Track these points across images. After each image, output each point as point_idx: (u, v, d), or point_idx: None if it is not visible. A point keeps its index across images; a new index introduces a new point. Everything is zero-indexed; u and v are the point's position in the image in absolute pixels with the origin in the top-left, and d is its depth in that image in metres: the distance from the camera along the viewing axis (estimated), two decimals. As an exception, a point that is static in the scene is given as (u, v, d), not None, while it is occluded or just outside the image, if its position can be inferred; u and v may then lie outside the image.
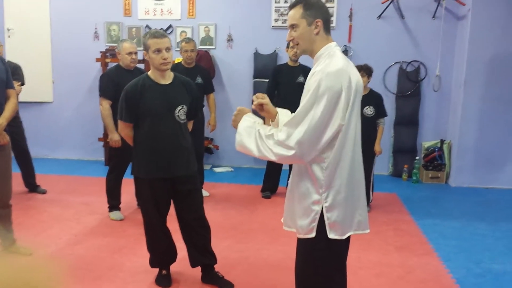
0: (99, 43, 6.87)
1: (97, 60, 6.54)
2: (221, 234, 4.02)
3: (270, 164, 5.27)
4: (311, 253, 2.09)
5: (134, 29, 6.81)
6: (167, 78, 2.99)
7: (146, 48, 2.90)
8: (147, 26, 6.76)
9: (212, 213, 3.67)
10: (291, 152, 1.95)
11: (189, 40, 4.94)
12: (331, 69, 1.94)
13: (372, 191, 4.89)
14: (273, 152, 1.99)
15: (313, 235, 2.03)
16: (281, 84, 5.13)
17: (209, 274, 3.21)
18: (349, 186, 2.03)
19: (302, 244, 2.12)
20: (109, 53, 6.57)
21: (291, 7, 2.07)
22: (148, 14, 6.77)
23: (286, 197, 2.23)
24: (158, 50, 2.86)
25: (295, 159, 1.99)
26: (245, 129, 2.10)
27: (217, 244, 3.81)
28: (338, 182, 2.00)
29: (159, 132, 2.94)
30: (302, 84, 5.31)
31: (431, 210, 4.98)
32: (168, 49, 2.90)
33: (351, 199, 2.05)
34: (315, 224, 2.02)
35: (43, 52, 7.00)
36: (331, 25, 6.37)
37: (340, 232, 2.04)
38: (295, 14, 2.04)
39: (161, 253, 3.17)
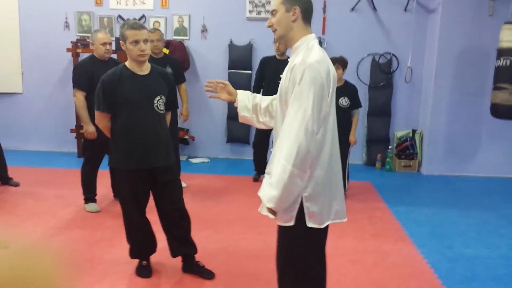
0: (70, 33, 6.73)
1: (68, 50, 6.40)
2: (199, 225, 4.02)
3: (257, 148, 5.48)
4: (291, 241, 2.14)
5: (105, 19, 6.69)
6: (145, 69, 2.98)
7: (124, 39, 2.88)
8: (119, 16, 6.65)
9: (190, 204, 3.65)
10: (296, 151, 1.92)
11: (154, 30, 4.88)
12: (311, 60, 1.97)
13: (348, 180, 4.97)
14: (285, 167, 1.94)
15: (292, 223, 2.08)
16: (267, 77, 5.18)
17: (190, 263, 3.22)
18: (328, 176, 2.07)
19: (282, 231, 2.16)
20: (80, 43, 6.44)
21: None
22: (120, 4, 6.66)
23: None
24: (136, 42, 2.84)
25: (305, 156, 1.95)
26: (263, 190, 2.07)
27: (196, 235, 3.81)
28: (318, 172, 2.04)
29: (137, 123, 2.92)
30: None
31: (404, 198, 5.11)
32: (146, 40, 2.88)
33: (329, 189, 2.10)
34: (295, 213, 2.06)
35: (12, 42, 6.81)
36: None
37: (318, 221, 2.09)
38: (276, 0, 2.07)
39: (140, 244, 3.17)
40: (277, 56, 5.23)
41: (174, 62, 5.13)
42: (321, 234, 2.18)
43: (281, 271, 2.23)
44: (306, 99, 1.93)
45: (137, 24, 2.89)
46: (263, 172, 5.75)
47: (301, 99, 1.94)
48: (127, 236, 3.17)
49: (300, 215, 2.06)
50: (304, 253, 2.14)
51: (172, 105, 3.20)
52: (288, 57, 5.13)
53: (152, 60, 4.78)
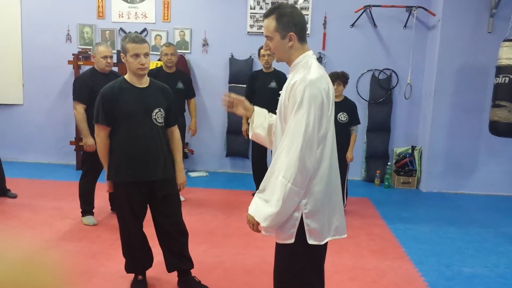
0: (72, 45, 6.77)
1: (69, 62, 6.43)
2: (197, 239, 4.00)
3: (255, 163, 5.42)
4: (290, 258, 2.11)
5: (107, 32, 6.73)
6: (144, 82, 2.99)
7: (124, 51, 2.89)
8: (121, 29, 6.70)
9: (187, 218, 3.63)
10: (297, 167, 1.92)
11: (169, 44, 5.01)
12: (311, 77, 1.97)
13: (346, 196, 4.96)
14: (284, 184, 1.94)
15: (292, 240, 2.05)
16: (255, 90, 5.23)
17: (186, 279, 3.19)
18: (327, 192, 2.06)
19: (282, 249, 2.13)
20: (82, 56, 6.47)
21: (265, 16, 2.10)
22: (122, 17, 6.71)
23: None
24: (137, 55, 2.86)
25: (304, 173, 1.95)
26: (253, 206, 2.07)
27: (193, 249, 3.80)
28: (317, 188, 2.02)
29: (136, 135, 2.91)
30: (275, 89, 5.45)
31: (403, 214, 5.09)
32: (146, 54, 2.89)
33: (329, 205, 2.08)
34: (295, 230, 2.04)
35: (14, 54, 6.84)
36: (307, 32, 6.46)
37: (319, 238, 2.06)
38: (269, 26, 2.07)
39: (136, 258, 3.14)
40: (264, 70, 5.29)
41: (185, 78, 5.22)
42: (321, 250, 2.16)
43: (277, 285, 2.20)
44: (306, 116, 1.93)
45: (139, 37, 2.91)
46: None
47: (301, 117, 1.94)
48: (123, 250, 3.15)
49: (300, 233, 2.04)
50: (304, 271, 2.11)
51: (174, 120, 3.16)
52: (275, 69, 5.23)
53: (166, 75, 4.87)
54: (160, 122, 2.99)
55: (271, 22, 2.06)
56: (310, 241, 2.04)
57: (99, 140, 3.02)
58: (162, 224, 3.08)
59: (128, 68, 2.94)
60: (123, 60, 2.93)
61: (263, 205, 2.01)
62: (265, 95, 5.07)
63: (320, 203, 2.04)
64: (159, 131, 3.00)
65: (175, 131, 3.17)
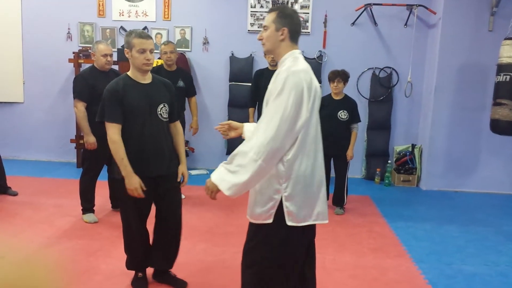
0: (72, 43, 6.77)
1: (70, 60, 6.43)
2: (197, 237, 4.01)
3: None
4: (266, 239, 2.20)
5: (108, 30, 6.73)
6: (147, 78, 2.99)
7: (130, 47, 2.88)
8: (121, 27, 6.70)
9: (188, 216, 3.65)
10: (269, 147, 2.04)
11: (167, 42, 5.00)
12: (295, 68, 2.13)
13: (347, 194, 4.97)
14: (255, 160, 2.04)
15: (270, 220, 2.17)
16: (261, 87, 5.22)
17: (164, 274, 3.23)
18: (308, 178, 2.17)
19: (258, 229, 2.22)
20: (82, 54, 6.48)
21: (270, 11, 2.29)
22: (122, 15, 6.71)
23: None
24: (143, 50, 2.86)
25: (275, 153, 2.07)
26: (219, 175, 2.15)
27: (193, 247, 3.82)
28: (297, 174, 2.14)
29: (142, 131, 2.90)
30: None
31: (403, 212, 5.09)
32: (151, 50, 2.90)
33: (310, 190, 2.19)
34: (274, 211, 2.16)
35: (14, 52, 6.85)
36: (307, 30, 6.48)
37: (297, 220, 2.17)
38: (269, 17, 2.26)
39: (139, 255, 3.14)
40: (269, 67, 5.30)
41: (186, 76, 5.21)
42: (299, 233, 2.22)
43: (251, 268, 2.26)
44: (286, 100, 2.05)
45: (145, 33, 2.92)
46: None
47: (281, 101, 2.06)
48: (125, 247, 3.14)
49: (279, 214, 2.15)
50: (280, 252, 2.19)
51: (177, 115, 3.17)
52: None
53: (166, 73, 4.86)
54: (165, 117, 3.00)
55: (272, 15, 2.26)
56: (289, 222, 2.15)
57: (116, 139, 2.86)
58: (164, 218, 3.08)
59: (132, 63, 2.93)
60: (127, 56, 2.92)
61: (229, 175, 2.11)
62: None
63: (300, 187, 2.15)
64: (164, 126, 3.01)
65: (178, 125, 3.19)
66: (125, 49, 2.92)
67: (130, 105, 2.88)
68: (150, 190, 2.97)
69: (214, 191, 2.17)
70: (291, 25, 2.23)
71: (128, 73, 2.98)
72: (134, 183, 2.84)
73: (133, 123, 2.90)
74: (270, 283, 2.23)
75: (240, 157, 2.09)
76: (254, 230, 2.25)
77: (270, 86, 2.18)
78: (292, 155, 2.11)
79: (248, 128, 2.48)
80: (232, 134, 2.52)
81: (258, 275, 2.23)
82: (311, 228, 2.30)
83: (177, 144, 3.16)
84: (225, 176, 2.12)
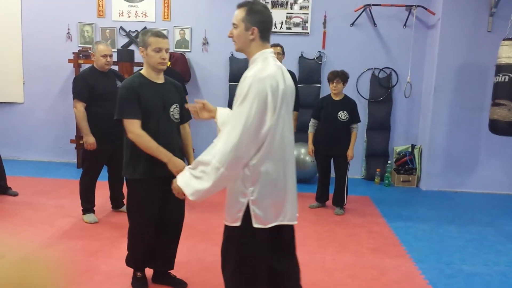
0: (72, 44, 6.78)
1: (70, 61, 6.44)
2: (197, 237, 4.02)
3: None
4: (237, 240, 2.26)
5: (108, 31, 6.74)
6: (161, 78, 2.99)
7: (145, 45, 2.87)
8: (121, 27, 6.71)
9: (188, 216, 3.63)
10: (231, 156, 2.06)
11: None
12: (260, 75, 2.10)
13: (347, 194, 4.98)
14: (217, 168, 2.07)
15: (238, 224, 2.21)
16: None
17: (164, 275, 3.24)
18: (275, 182, 2.20)
19: (230, 231, 2.28)
20: (82, 54, 6.48)
21: (238, 6, 2.25)
22: (122, 16, 6.72)
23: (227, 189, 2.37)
24: (159, 49, 2.86)
25: (238, 161, 2.09)
26: (184, 179, 2.21)
27: (193, 247, 3.82)
28: (264, 178, 2.17)
29: (156, 131, 2.88)
30: None
31: (403, 212, 5.10)
32: (167, 50, 2.92)
33: (278, 194, 2.23)
34: (241, 214, 2.20)
35: (14, 52, 6.85)
36: (306, 31, 6.49)
37: (263, 222, 2.21)
38: (238, 15, 2.22)
39: (141, 253, 3.11)
40: None
41: (176, 76, 5.15)
42: (267, 234, 2.26)
43: (225, 269, 2.34)
44: (248, 110, 2.06)
45: (161, 33, 2.93)
46: None
47: (243, 109, 2.06)
48: (129, 244, 3.12)
49: (247, 217, 2.19)
50: (249, 253, 2.25)
51: (188, 116, 3.17)
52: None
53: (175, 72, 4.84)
54: (176, 118, 3.01)
55: (241, 12, 2.21)
56: (255, 225, 2.19)
57: (144, 138, 2.81)
58: (164, 221, 3.08)
59: (147, 62, 2.92)
60: (141, 54, 2.91)
61: (193, 180, 2.16)
62: None
63: (266, 192, 2.18)
64: (175, 127, 3.02)
65: (187, 126, 3.21)
66: (140, 47, 2.91)
67: (146, 104, 2.86)
68: (160, 191, 2.95)
69: (180, 193, 2.24)
70: (261, 24, 2.19)
71: (142, 72, 2.97)
72: (179, 164, 2.84)
73: (148, 122, 2.87)
74: (245, 282, 2.29)
75: (203, 164, 2.12)
76: (227, 231, 2.30)
77: (237, 90, 2.18)
78: (258, 160, 2.13)
79: (221, 113, 2.48)
80: (205, 115, 2.51)
81: (234, 274, 2.30)
82: (279, 226, 2.33)
83: (186, 145, 3.18)
84: (190, 181, 2.17)
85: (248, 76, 2.12)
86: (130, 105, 2.84)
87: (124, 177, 3.08)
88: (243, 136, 2.05)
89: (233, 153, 2.05)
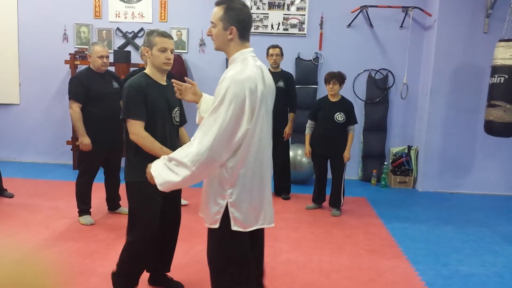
0: (68, 45, 6.76)
1: (66, 62, 6.43)
2: (195, 239, 4.01)
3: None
4: (217, 242, 2.29)
5: (104, 31, 6.73)
6: (164, 79, 2.95)
7: (151, 45, 2.82)
8: (118, 28, 6.69)
9: (186, 218, 3.63)
10: (203, 158, 2.05)
11: None
12: (239, 77, 2.07)
13: (343, 195, 4.97)
14: (188, 167, 2.08)
15: (217, 226, 2.22)
16: None
17: (160, 277, 3.21)
18: (253, 184, 2.20)
19: (211, 233, 2.30)
20: (79, 55, 6.46)
21: (216, 3, 2.20)
22: (119, 17, 6.70)
23: (203, 189, 2.36)
24: (164, 49, 2.81)
25: (210, 164, 2.09)
26: (157, 169, 2.21)
27: (190, 249, 3.81)
28: (242, 181, 2.16)
29: (161, 133, 2.84)
30: (282, 89, 5.52)
31: (400, 214, 5.10)
32: (172, 50, 2.88)
33: (255, 197, 2.22)
34: (219, 216, 2.20)
35: (10, 53, 6.83)
36: (303, 32, 6.49)
37: (242, 226, 2.21)
38: (216, 13, 2.18)
39: (142, 269, 3.01)
40: (271, 69, 5.31)
41: (171, 77, 5.13)
42: (246, 237, 2.27)
43: (212, 269, 2.36)
44: (224, 112, 2.04)
45: (167, 33, 2.89)
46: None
47: (220, 112, 2.05)
48: (125, 263, 2.92)
49: (226, 219, 2.19)
50: (230, 253, 2.26)
51: (184, 119, 3.19)
52: (282, 69, 5.33)
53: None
54: (177, 121, 3.00)
55: (219, 11, 2.17)
56: (234, 228, 2.19)
57: (149, 139, 2.75)
58: (163, 224, 3.03)
59: (151, 63, 2.86)
60: (146, 54, 2.86)
61: (165, 171, 2.16)
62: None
63: (244, 194, 2.18)
64: (176, 130, 3.02)
65: (183, 129, 3.21)
66: (145, 47, 2.86)
67: (152, 105, 2.80)
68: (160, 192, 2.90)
69: (152, 179, 2.24)
70: (239, 23, 2.16)
71: (147, 72, 2.90)
72: None
73: (155, 124, 2.81)
74: (231, 283, 2.30)
75: (176, 160, 2.12)
76: (209, 233, 2.32)
77: (215, 90, 2.17)
78: (236, 162, 2.13)
79: (206, 99, 2.47)
80: (189, 97, 2.48)
81: (220, 275, 2.32)
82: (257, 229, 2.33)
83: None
84: (162, 171, 2.18)
85: (226, 78, 2.10)
86: (137, 105, 2.76)
87: (125, 181, 2.94)
88: (217, 139, 2.04)
89: (205, 155, 2.05)
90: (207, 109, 2.38)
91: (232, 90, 2.04)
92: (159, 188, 2.19)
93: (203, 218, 2.35)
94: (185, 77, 2.51)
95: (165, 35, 2.86)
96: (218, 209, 2.20)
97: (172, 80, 2.55)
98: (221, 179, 2.16)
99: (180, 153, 2.13)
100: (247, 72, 2.09)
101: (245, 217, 2.20)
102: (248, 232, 2.25)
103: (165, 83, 2.94)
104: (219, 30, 2.17)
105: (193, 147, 2.08)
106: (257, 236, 2.40)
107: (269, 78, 2.24)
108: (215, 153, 2.06)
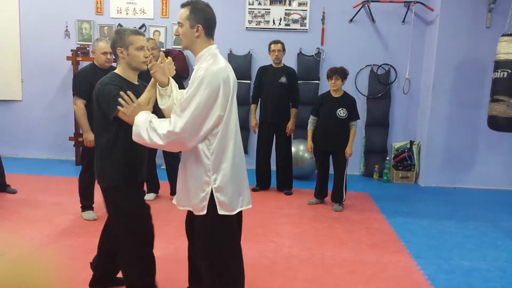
0: (70, 41, 6.77)
1: (68, 58, 6.43)
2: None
3: (260, 158, 5.55)
4: (207, 228, 2.38)
5: (106, 28, 6.73)
6: (136, 79, 2.81)
7: (126, 45, 2.66)
8: (119, 24, 6.69)
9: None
10: (175, 137, 2.21)
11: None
12: (213, 68, 2.24)
13: (345, 191, 4.98)
14: (161, 138, 2.23)
15: (204, 212, 2.34)
16: (265, 83, 5.35)
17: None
18: (234, 170, 2.35)
19: (201, 219, 2.39)
20: (80, 52, 6.47)
21: (182, 5, 2.36)
22: (120, 13, 6.70)
23: (178, 179, 2.52)
24: (141, 47, 2.68)
25: (180, 144, 2.25)
26: (141, 121, 2.32)
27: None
28: (224, 166, 2.32)
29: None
30: (285, 84, 5.53)
31: (402, 209, 5.11)
32: (148, 48, 2.88)
33: (236, 180, 2.38)
34: (206, 202, 2.33)
35: (12, 50, 6.84)
36: (305, 27, 6.48)
37: (229, 209, 2.36)
38: (183, 14, 2.33)
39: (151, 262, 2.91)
40: (273, 65, 5.34)
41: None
42: (233, 219, 2.42)
43: (204, 255, 2.43)
44: (199, 98, 2.19)
45: (140, 30, 2.78)
46: (265, 187, 5.72)
47: (195, 97, 2.19)
48: (138, 269, 2.80)
49: (212, 205, 2.32)
50: (219, 238, 2.38)
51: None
52: (284, 64, 5.34)
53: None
54: None
55: (185, 11, 2.32)
56: (221, 212, 2.33)
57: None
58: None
59: (127, 62, 2.70)
60: (120, 55, 2.68)
61: (143, 128, 2.28)
62: (275, 89, 5.26)
63: (227, 178, 2.33)
64: None
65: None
66: (118, 48, 2.66)
67: None
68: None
69: (130, 121, 2.38)
70: (205, 21, 2.31)
71: (117, 71, 2.75)
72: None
73: (128, 126, 2.55)
74: (224, 265, 2.41)
75: (154, 128, 2.25)
76: (198, 220, 2.40)
77: (190, 79, 2.31)
78: (216, 148, 2.28)
79: (174, 84, 2.49)
80: (159, 75, 2.41)
81: (214, 261, 2.41)
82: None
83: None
84: (141, 125, 2.29)
85: (202, 67, 2.25)
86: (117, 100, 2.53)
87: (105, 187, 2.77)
88: (189, 123, 2.18)
89: (176, 135, 2.19)
90: (176, 95, 2.50)
91: (208, 78, 2.19)
92: (133, 137, 2.31)
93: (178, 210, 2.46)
94: (169, 57, 2.58)
95: (140, 33, 2.72)
96: (204, 195, 2.32)
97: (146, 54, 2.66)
98: (204, 167, 2.30)
99: (161, 124, 2.26)
100: (219, 64, 2.27)
101: (230, 200, 2.35)
102: (235, 215, 2.40)
103: (137, 83, 2.81)
104: (186, 28, 2.31)
105: (169, 124, 2.22)
106: (240, 218, 2.55)
107: (234, 75, 2.37)
108: (186, 136, 2.21)
